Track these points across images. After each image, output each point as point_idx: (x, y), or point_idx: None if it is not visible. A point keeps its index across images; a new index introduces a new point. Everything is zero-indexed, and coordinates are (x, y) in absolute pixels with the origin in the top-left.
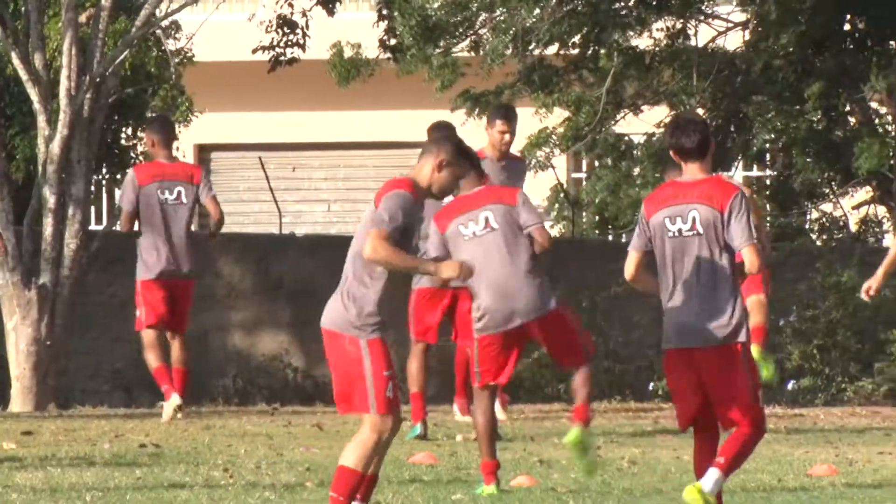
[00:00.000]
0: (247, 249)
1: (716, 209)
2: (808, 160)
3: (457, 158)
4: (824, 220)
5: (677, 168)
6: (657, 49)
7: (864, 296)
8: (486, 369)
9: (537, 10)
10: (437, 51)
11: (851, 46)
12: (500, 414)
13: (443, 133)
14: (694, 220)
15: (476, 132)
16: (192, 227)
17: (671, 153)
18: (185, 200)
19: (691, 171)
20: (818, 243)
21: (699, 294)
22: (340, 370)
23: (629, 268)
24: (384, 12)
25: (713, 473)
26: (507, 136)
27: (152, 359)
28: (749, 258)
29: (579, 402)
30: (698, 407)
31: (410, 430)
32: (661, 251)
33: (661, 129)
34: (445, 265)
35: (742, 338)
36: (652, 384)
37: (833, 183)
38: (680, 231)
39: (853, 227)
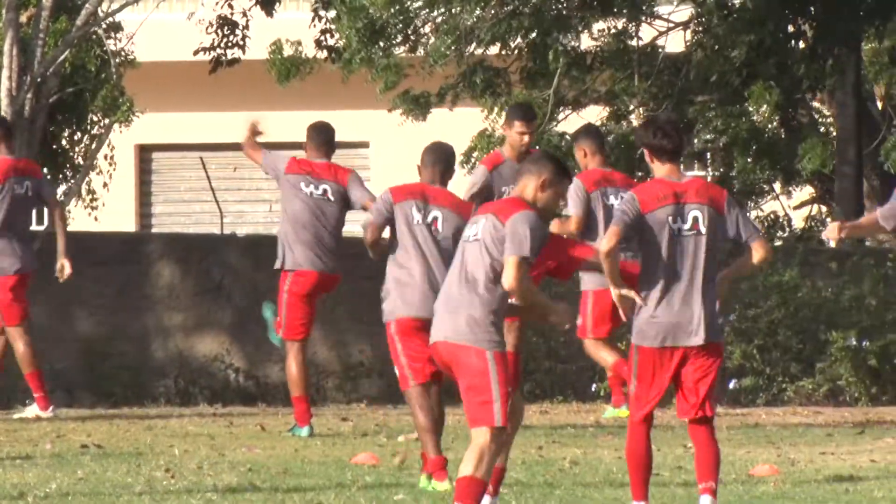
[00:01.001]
0: (188, 250)
1: (716, 209)
2: (748, 160)
3: (558, 177)
4: (767, 219)
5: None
6: (599, 50)
7: (832, 234)
8: (417, 368)
9: (478, 11)
10: (381, 52)
11: (796, 50)
12: None
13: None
14: (696, 219)
15: (413, 132)
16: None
17: (647, 153)
18: None
19: (671, 171)
20: None
21: (698, 293)
22: (464, 383)
23: (611, 240)
24: (321, 13)
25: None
26: (525, 137)
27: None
28: (765, 248)
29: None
30: (657, 401)
31: (294, 429)
32: (656, 248)
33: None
34: (563, 311)
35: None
36: (595, 385)
37: (776, 183)
38: (680, 230)
39: (796, 227)
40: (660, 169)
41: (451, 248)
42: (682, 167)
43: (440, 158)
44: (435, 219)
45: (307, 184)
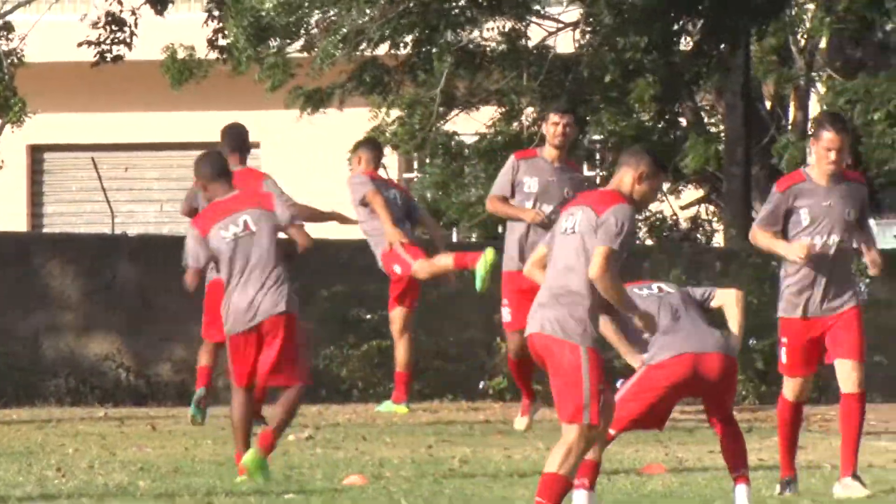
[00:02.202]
0: (79, 249)
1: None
2: None
3: (655, 170)
4: (655, 219)
5: None
6: (488, 49)
7: (801, 252)
8: (241, 371)
9: (368, 11)
10: (271, 51)
11: (683, 48)
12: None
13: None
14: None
15: (304, 133)
16: None
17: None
18: None
19: None
20: (649, 242)
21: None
22: (556, 379)
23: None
24: (214, 13)
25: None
26: (559, 129)
27: None
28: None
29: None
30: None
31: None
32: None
33: (493, 129)
34: (647, 317)
35: None
36: (483, 383)
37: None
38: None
39: (683, 227)
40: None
41: (267, 250)
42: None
43: (219, 167)
44: (245, 222)
45: None
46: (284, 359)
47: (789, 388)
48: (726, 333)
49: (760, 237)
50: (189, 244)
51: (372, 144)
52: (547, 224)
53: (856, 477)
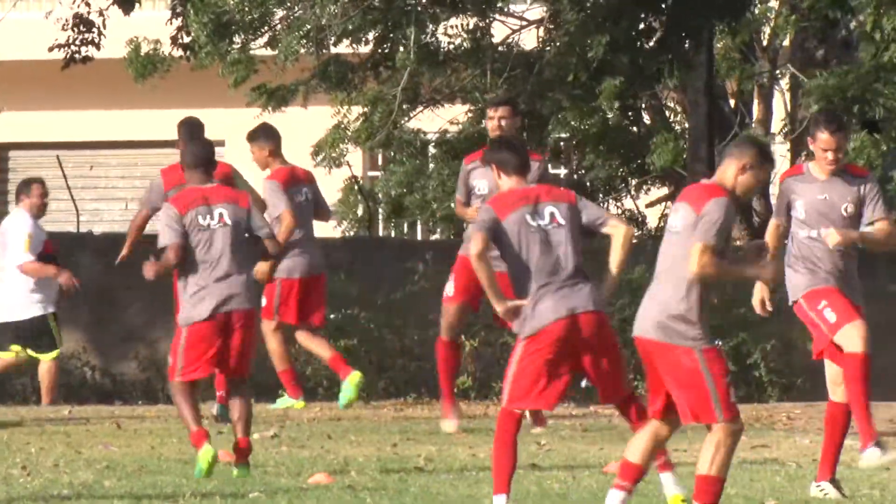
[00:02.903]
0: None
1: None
2: (599, 158)
3: (760, 161)
4: (622, 217)
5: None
6: (452, 46)
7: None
8: (193, 367)
9: (331, 8)
10: (235, 47)
11: (647, 45)
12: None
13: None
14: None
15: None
16: None
17: (494, 168)
18: None
19: (518, 183)
20: None
21: None
22: (678, 382)
23: (478, 245)
24: (178, 10)
25: None
26: (494, 122)
27: None
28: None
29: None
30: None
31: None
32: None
33: (456, 126)
34: (769, 268)
35: None
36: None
37: (630, 180)
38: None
39: (651, 224)
40: (507, 182)
41: (235, 240)
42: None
43: (201, 159)
44: (221, 214)
45: None
46: (246, 352)
47: (829, 379)
48: (597, 283)
49: (767, 234)
50: (165, 222)
51: (269, 132)
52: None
53: (878, 444)
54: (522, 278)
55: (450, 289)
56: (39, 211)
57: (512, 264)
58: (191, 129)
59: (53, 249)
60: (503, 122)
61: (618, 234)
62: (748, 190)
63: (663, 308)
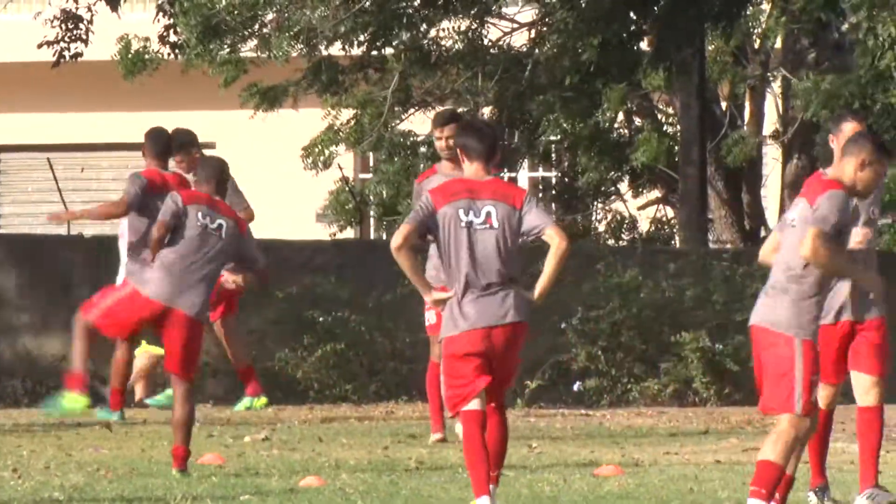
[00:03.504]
0: (35, 250)
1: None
2: (591, 160)
3: (878, 156)
4: (614, 220)
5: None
6: (443, 49)
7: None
8: (109, 321)
9: (321, 10)
10: (226, 49)
11: (636, 47)
12: None
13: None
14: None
15: (259, 132)
16: None
17: (459, 151)
18: None
19: (477, 170)
20: (609, 243)
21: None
22: (768, 369)
23: (399, 238)
24: (165, 9)
25: None
26: (441, 142)
27: None
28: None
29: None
30: None
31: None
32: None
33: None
34: (874, 280)
35: None
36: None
37: (619, 183)
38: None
39: (644, 228)
40: (468, 168)
41: (223, 257)
42: (490, 170)
43: (213, 173)
44: (221, 226)
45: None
46: (181, 354)
47: (821, 395)
48: (523, 290)
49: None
50: (168, 204)
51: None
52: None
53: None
54: (450, 270)
55: (432, 316)
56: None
57: (442, 254)
58: (157, 139)
59: None
60: (450, 142)
61: (553, 244)
62: (868, 185)
63: (778, 297)
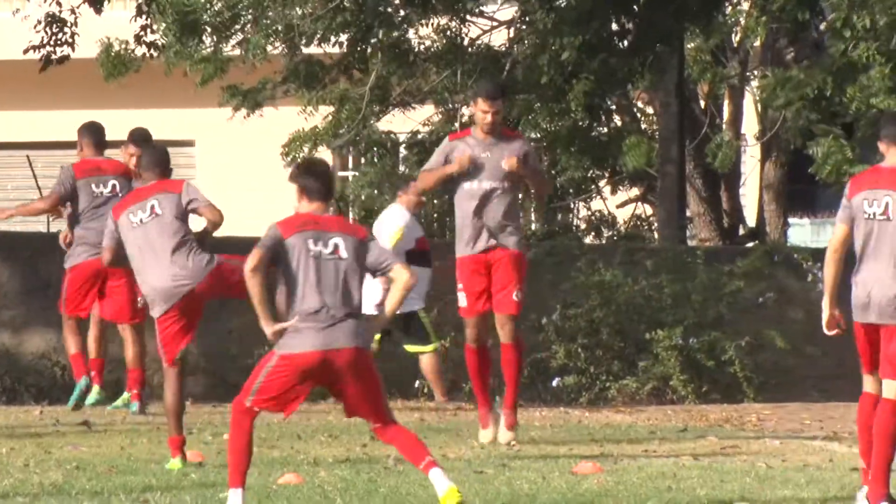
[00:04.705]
0: (15, 248)
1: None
2: (571, 159)
3: None
4: (593, 218)
5: None
6: (423, 47)
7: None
8: (169, 348)
9: (299, 10)
10: (207, 49)
11: (619, 47)
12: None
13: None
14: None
15: (239, 131)
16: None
17: (297, 191)
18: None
19: (317, 209)
20: (588, 241)
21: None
22: (885, 357)
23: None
24: (144, 9)
25: None
26: (489, 117)
27: None
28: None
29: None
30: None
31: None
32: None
33: (427, 127)
34: None
35: None
36: (418, 382)
37: (599, 181)
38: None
39: (623, 226)
40: (305, 207)
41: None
42: (328, 208)
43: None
44: (152, 206)
45: None
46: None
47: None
48: (365, 319)
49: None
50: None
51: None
52: (480, 165)
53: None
54: (295, 298)
55: (463, 299)
56: (416, 208)
57: (288, 283)
58: (93, 132)
59: (428, 246)
60: (497, 118)
61: (399, 279)
62: None
63: (888, 290)
